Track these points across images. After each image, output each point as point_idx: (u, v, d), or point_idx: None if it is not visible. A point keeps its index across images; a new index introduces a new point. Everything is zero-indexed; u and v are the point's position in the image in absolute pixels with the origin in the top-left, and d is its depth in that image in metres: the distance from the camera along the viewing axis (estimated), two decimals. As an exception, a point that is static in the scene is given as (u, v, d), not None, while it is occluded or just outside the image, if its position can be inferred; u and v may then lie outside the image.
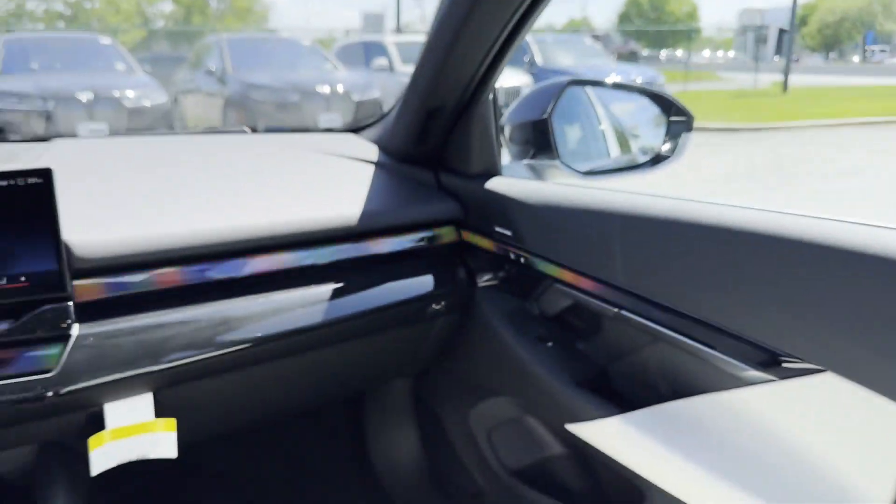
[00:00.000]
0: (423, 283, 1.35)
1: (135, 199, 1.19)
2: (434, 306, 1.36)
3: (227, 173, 1.36)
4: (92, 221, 1.08)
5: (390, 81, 11.05)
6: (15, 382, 0.97)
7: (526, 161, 1.48)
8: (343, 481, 1.79)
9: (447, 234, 1.41)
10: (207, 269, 1.15)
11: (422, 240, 1.37)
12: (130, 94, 8.85)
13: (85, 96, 8.50)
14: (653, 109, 1.50)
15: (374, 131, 1.56)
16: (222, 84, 10.28)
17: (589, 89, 1.57)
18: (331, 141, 1.56)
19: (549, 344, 1.30)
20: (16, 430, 1.06)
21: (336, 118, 9.83)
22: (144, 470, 1.18)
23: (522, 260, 1.32)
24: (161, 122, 9.03)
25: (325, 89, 9.92)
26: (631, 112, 1.71)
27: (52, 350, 1.00)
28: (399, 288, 1.32)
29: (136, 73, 9.93)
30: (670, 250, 1.06)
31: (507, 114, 1.48)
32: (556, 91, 1.41)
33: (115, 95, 8.72)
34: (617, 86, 1.71)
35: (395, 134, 1.45)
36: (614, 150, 1.70)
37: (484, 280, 1.40)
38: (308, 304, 1.21)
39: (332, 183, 1.38)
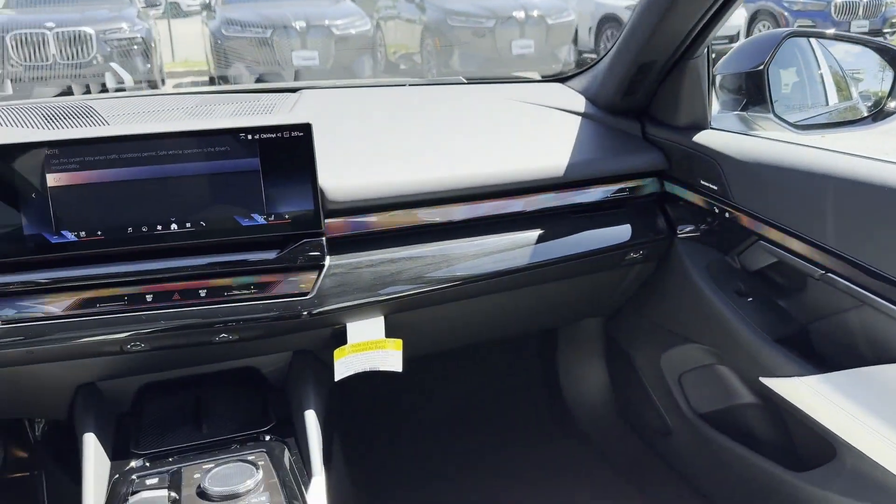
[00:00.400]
0: (623, 231, 1.42)
1: (373, 147, 1.35)
2: (632, 254, 1.43)
3: (447, 123, 1.49)
4: (340, 169, 1.25)
5: (585, 4, 10.71)
6: (280, 302, 1.18)
7: (736, 112, 1.47)
8: (535, 407, 1.94)
9: (650, 185, 1.45)
10: (432, 213, 1.30)
11: (624, 190, 1.43)
12: (339, 22, 9.33)
13: (299, 25, 9.09)
14: (878, 61, 1.42)
15: (581, 81, 1.61)
16: (421, 11, 10.52)
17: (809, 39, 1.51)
18: (539, 91, 1.64)
19: (749, 299, 1.33)
20: (279, 340, 1.29)
21: (529, 44, 9.75)
22: (371, 380, 1.38)
23: (727, 214, 1.34)
24: (365, 48, 9.47)
25: (521, 14, 9.83)
26: (855, 55, 1.62)
27: (309, 277, 1.20)
28: (599, 236, 1.40)
29: (343, 1, 10.41)
30: (890, 217, 1.04)
31: (720, 62, 1.47)
32: (773, 43, 1.38)
33: (325, 24, 9.24)
34: (839, 37, 1.62)
35: (604, 85, 1.50)
36: (833, 97, 1.63)
37: (684, 231, 1.44)
38: (516, 247, 1.32)
39: (541, 134, 1.46)
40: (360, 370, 1.31)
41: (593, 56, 9.59)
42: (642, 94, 1.46)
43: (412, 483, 1.76)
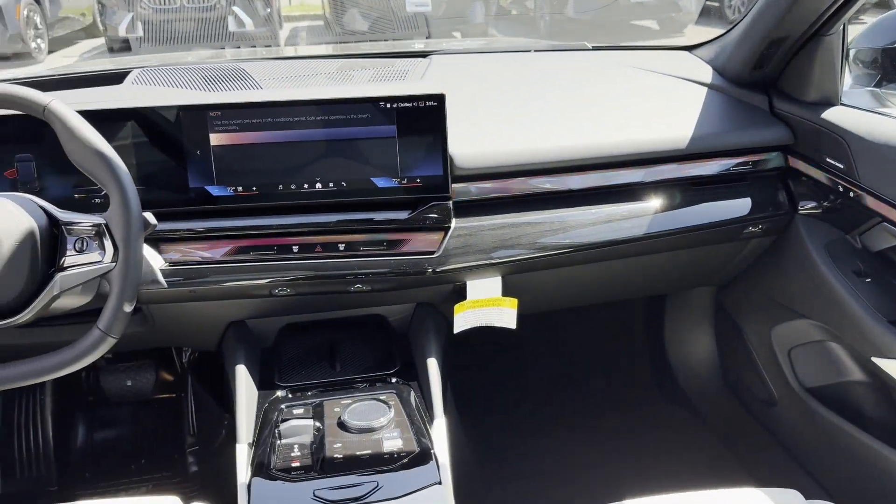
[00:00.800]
0: (743, 205, 1.43)
1: (498, 115, 1.42)
2: (751, 228, 1.45)
3: (571, 91, 1.53)
4: (468, 136, 1.33)
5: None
6: (409, 259, 1.29)
7: (870, 88, 1.44)
8: (638, 370, 2.00)
9: (774, 160, 1.45)
10: (552, 181, 1.36)
11: (747, 163, 1.44)
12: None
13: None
14: None
15: (708, 51, 1.61)
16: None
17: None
18: (665, 59, 1.64)
19: (868, 280, 1.33)
20: (404, 293, 1.40)
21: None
22: (483, 335, 1.48)
23: (851, 194, 1.33)
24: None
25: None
26: None
27: (435, 237, 1.30)
28: (718, 209, 1.42)
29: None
30: None
31: (856, 37, 1.44)
32: (918, 18, 1.34)
33: (439, -31, 9.20)
34: None
35: (733, 57, 1.49)
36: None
37: (806, 208, 1.44)
38: (633, 217, 1.37)
39: (665, 104, 1.48)
40: (477, 325, 1.40)
41: (716, 4, 9.12)
42: (772, 67, 1.45)
43: (514, 436, 1.87)
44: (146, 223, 1.10)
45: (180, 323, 1.42)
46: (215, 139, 1.25)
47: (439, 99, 1.25)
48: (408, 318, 1.48)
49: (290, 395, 1.29)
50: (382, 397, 1.20)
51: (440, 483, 1.04)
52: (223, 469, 1.67)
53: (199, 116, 1.24)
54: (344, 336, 1.45)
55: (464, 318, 1.39)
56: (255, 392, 1.30)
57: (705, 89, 1.52)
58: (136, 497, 1.15)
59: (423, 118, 1.26)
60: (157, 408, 1.92)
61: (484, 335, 1.44)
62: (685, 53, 1.66)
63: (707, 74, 1.56)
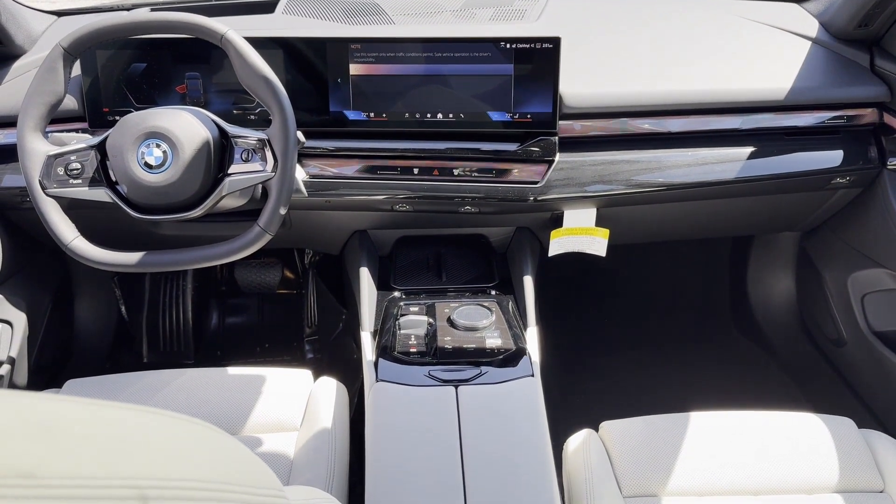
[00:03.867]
0: (834, 157, 1.51)
1: (606, 57, 1.54)
2: (839, 179, 1.53)
3: (677, 36, 1.62)
4: (577, 76, 1.46)
5: None
6: (515, 187, 1.45)
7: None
8: (718, 305, 2.13)
9: (869, 115, 1.52)
10: (652, 123, 1.48)
11: (842, 117, 1.51)
12: None
13: None
14: None
15: (817, 5, 1.65)
16: None
17: None
18: (773, 11, 1.70)
19: None
20: (507, 217, 1.57)
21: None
22: (573, 260, 1.64)
23: None
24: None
25: None
26: None
27: (540, 169, 1.45)
28: (809, 159, 1.51)
29: None
30: None
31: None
32: None
33: None
34: None
35: (840, 13, 1.54)
36: None
37: (894, 164, 1.51)
38: (727, 161, 1.48)
39: (768, 55, 1.56)
40: (570, 250, 1.57)
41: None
42: (877, 26, 1.50)
43: (595, 350, 2.05)
44: (298, 140, 1.31)
45: (314, 228, 1.64)
46: (354, 69, 1.42)
47: (555, 42, 1.38)
48: (507, 240, 1.66)
49: (403, 296, 1.50)
50: (486, 304, 1.40)
51: (532, 376, 1.23)
52: (338, 356, 1.92)
53: (341, 48, 1.41)
54: (451, 251, 1.64)
55: (559, 244, 1.56)
56: (374, 291, 1.51)
57: (808, 43, 1.58)
58: (269, 367, 1.39)
59: (539, 59, 1.40)
60: (280, 301, 2.20)
61: (574, 260, 1.60)
62: (794, 6, 1.71)
63: (812, 28, 1.61)
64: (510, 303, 1.44)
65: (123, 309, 2.08)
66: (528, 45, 1.39)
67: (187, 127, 1.25)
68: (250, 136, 1.27)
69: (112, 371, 1.42)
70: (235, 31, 1.26)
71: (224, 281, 2.19)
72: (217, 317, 2.19)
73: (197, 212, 1.28)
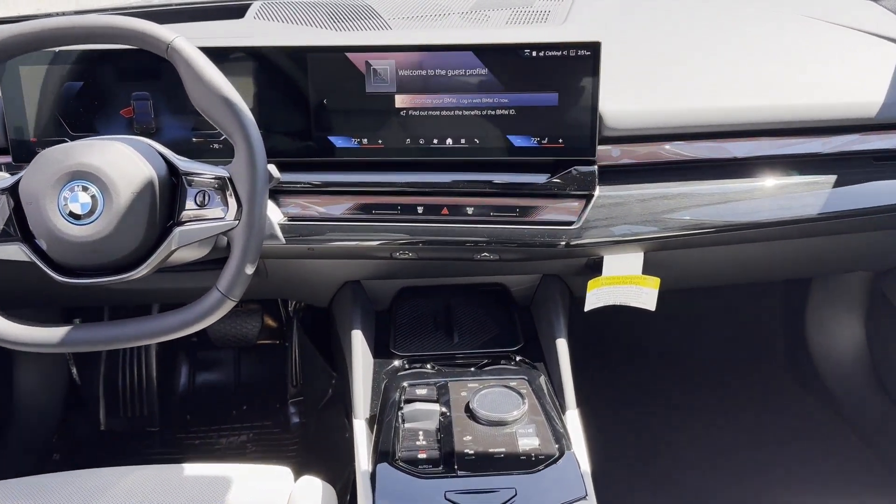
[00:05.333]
0: None
1: (651, 67, 1.25)
2: None
3: (735, 40, 1.34)
4: (618, 91, 1.17)
5: None
6: (544, 228, 1.16)
7: None
8: (771, 355, 1.83)
9: None
10: (712, 147, 1.19)
11: None
12: None
13: None
14: None
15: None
16: None
17: None
18: (845, 7, 1.42)
19: None
20: (534, 264, 1.28)
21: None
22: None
23: None
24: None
25: None
26: None
27: (575, 205, 1.16)
28: (891, 190, 1.22)
29: None
30: None
31: None
32: None
33: None
34: None
35: None
36: None
37: None
38: (806, 192, 1.19)
39: (847, 62, 1.28)
40: (612, 303, 1.27)
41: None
42: None
43: (641, 429, 1.74)
44: (271, 176, 1.02)
45: (294, 278, 1.35)
46: (342, 85, 1.14)
47: (593, 48, 1.10)
48: (532, 290, 1.37)
49: (406, 366, 1.21)
50: (513, 383, 1.10)
51: (585, 497, 0.93)
52: (329, 425, 1.62)
53: (326, 59, 1.13)
54: (463, 304, 1.35)
55: (597, 296, 1.27)
56: (370, 360, 1.22)
57: (893, 46, 1.30)
58: (248, 464, 1.09)
59: (573, 70, 1.11)
60: (261, 353, 1.90)
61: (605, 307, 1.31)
62: (869, 2, 1.43)
63: (894, 28, 1.33)
64: (541, 377, 1.14)
65: (74, 368, 1.77)
66: (558, 53, 1.11)
67: (124, 163, 0.96)
68: (207, 172, 0.98)
69: (62, 444, 1.13)
70: (188, 39, 0.97)
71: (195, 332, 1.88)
72: (186, 374, 1.89)
73: (139, 272, 0.99)
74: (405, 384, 1.11)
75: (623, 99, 1.17)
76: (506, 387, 1.08)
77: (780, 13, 1.37)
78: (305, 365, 1.80)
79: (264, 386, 1.86)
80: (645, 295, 1.27)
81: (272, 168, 1.02)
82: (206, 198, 0.98)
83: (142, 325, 0.98)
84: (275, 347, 1.88)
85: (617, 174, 1.18)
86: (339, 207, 1.17)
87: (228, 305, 0.98)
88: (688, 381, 1.85)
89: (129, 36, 0.97)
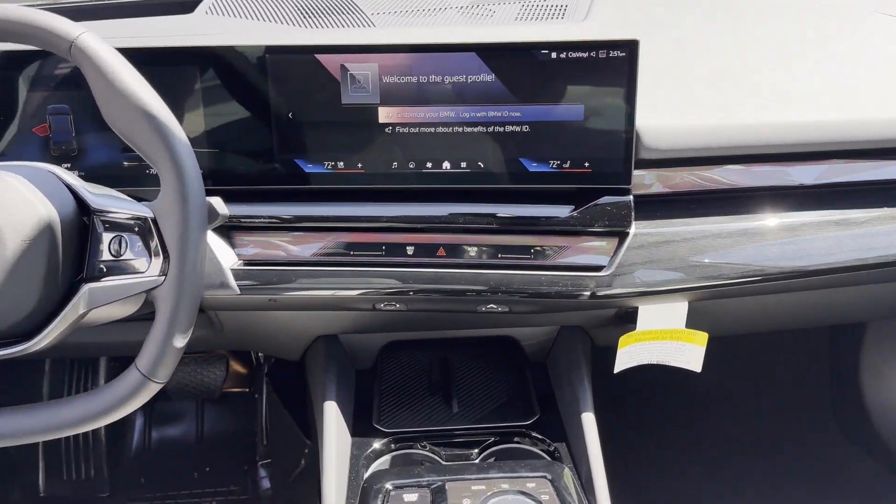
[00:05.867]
0: None
1: (696, 72, 1.02)
2: None
3: (794, 41, 1.11)
4: (657, 103, 0.94)
5: None
6: (566, 275, 0.92)
7: None
8: (816, 406, 1.59)
9: None
10: (771, 172, 0.96)
11: None
12: None
13: None
14: None
15: None
16: None
17: None
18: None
19: None
20: (552, 315, 1.04)
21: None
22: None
23: None
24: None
25: None
26: None
27: (606, 246, 0.92)
28: None
29: None
30: None
31: None
32: None
33: None
34: None
35: None
36: None
37: None
38: (889, 228, 0.96)
39: None
40: (649, 362, 1.04)
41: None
42: None
43: (656, 478, 1.50)
44: (212, 213, 0.78)
45: (256, 332, 1.11)
46: (312, 95, 0.90)
47: (629, 49, 0.87)
48: (547, 342, 1.13)
49: (393, 446, 0.97)
50: (530, 484, 0.85)
51: None
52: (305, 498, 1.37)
53: (293, 62, 0.89)
54: (463, 360, 1.11)
55: (630, 354, 1.03)
56: (346, 439, 0.97)
57: None
58: None
59: (603, 75, 0.88)
60: (227, 406, 1.64)
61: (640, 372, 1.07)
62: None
63: None
64: (566, 472, 0.89)
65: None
66: (584, 55, 0.87)
67: (11, 202, 0.72)
68: (123, 211, 0.74)
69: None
70: (98, 35, 0.73)
71: None
72: (140, 429, 1.63)
73: (36, 343, 0.75)
74: (389, 486, 0.86)
75: (662, 112, 0.94)
76: (522, 492, 0.83)
77: (849, 7, 1.14)
78: (277, 420, 1.55)
79: (230, 443, 1.61)
80: (689, 353, 1.03)
81: (215, 202, 0.78)
82: (124, 244, 0.74)
83: (36, 416, 0.74)
84: (244, 397, 1.63)
85: (655, 206, 0.95)
86: (309, 248, 0.94)
87: (152, 389, 0.74)
88: (714, 419, 1.60)
89: (20, 32, 0.74)
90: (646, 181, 0.94)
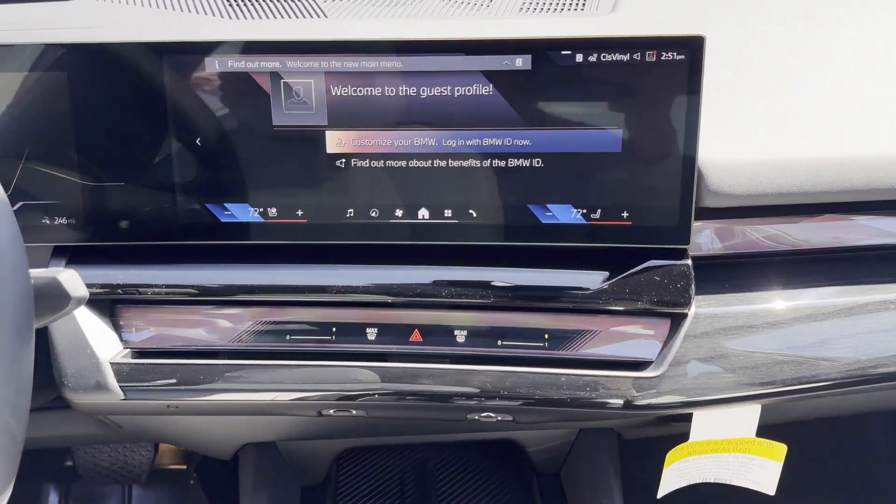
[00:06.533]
0: None
1: (775, 86, 0.74)
2: None
3: (881, 38, 0.83)
4: (720, 127, 0.66)
5: None
6: (595, 376, 0.64)
7: None
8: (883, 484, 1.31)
9: None
10: (880, 225, 0.68)
11: None
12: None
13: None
14: None
15: None
16: None
17: None
18: None
19: None
20: (576, 422, 0.76)
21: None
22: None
23: None
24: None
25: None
26: None
27: (651, 331, 0.65)
28: None
29: None
30: None
31: None
32: None
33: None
34: None
35: None
36: None
37: None
38: None
39: None
40: (705, 480, 0.75)
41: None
42: None
43: None
44: (54, 297, 0.50)
45: (165, 434, 0.82)
46: (230, 113, 0.62)
47: (692, 49, 0.59)
48: (562, 448, 0.84)
49: None
50: None
51: None
52: None
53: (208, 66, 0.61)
54: (447, 473, 0.82)
55: (679, 472, 0.74)
56: None
57: None
58: None
59: (651, 88, 0.60)
60: (157, 492, 1.34)
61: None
62: None
63: None
64: None
65: None
66: (625, 57, 0.60)
67: None
68: None
69: None
70: None
71: (61, 457, 1.33)
72: None
73: None
74: None
75: (726, 143, 0.66)
76: None
77: None
78: (209, 492, 1.26)
79: None
80: (761, 470, 0.74)
81: (66, 278, 0.50)
82: None
83: None
84: (179, 478, 1.33)
85: (715, 273, 0.67)
86: (226, 331, 0.65)
87: None
88: None
89: None
90: (702, 238, 0.67)
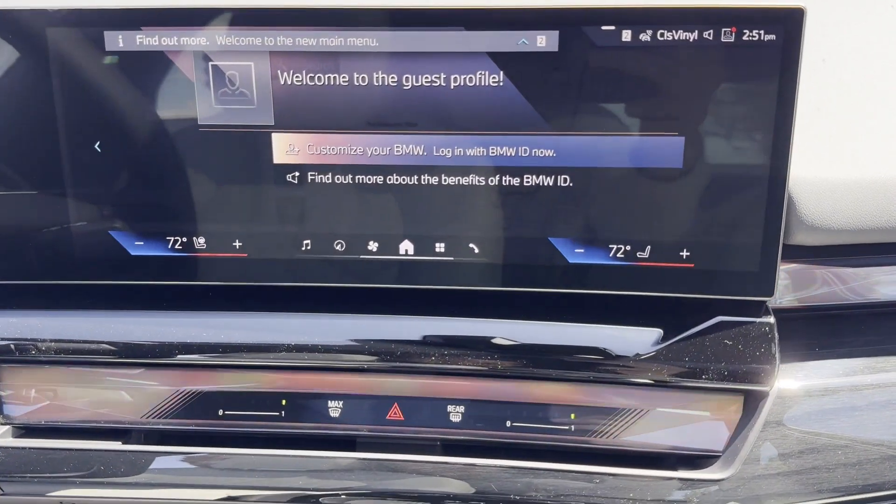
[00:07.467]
0: None
1: (870, 90, 0.56)
2: None
3: None
4: (808, 140, 0.49)
5: None
6: (641, 476, 0.47)
7: None
8: None
9: None
10: None
11: None
12: None
13: None
14: None
15: None
16: None
17: None
18: None
19: None
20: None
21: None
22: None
23: None
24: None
25: None
26: None
27: (723, 414, 0.47)
28: None
29: None
30: None
31: None
32: None
33: None
34: None
35: None
36: None
37: None
38: None
39: None
40: None
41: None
42: None
43: None
44: None
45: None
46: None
47: (788, 26, 0.42)
48: None
49: None
50: None
51: None
52: None
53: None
54: None
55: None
56: None
57: None
58: None
59: (726, 78, 0.43)
60: None
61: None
62: None
63: None
64: None
65: None
66: (690, 36, 0.42)
67: None
68: None
69: None
70: None
71: None
72: None
73: None
74: None
75: (820, 159, 0.49)
76: None
77: None
78: None
79: None
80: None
81: None
82: None
83: None
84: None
85: (809, 330, 0.50)
86: (137, 403, 0.48)
87: None
88: None
89: None
90: (785, 285, 0.50)
